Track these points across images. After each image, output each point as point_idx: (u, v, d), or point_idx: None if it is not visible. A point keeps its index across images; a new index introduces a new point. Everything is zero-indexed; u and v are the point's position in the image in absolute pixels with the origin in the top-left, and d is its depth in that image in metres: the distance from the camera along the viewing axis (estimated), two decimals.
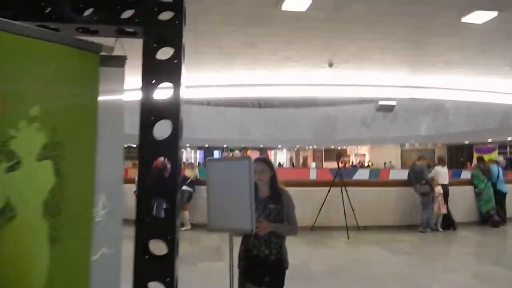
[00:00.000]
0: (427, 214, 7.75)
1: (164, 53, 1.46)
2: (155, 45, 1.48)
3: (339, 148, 29.54)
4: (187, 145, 30.48)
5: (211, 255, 5.70)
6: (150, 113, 1.46)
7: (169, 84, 1.46)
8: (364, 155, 33.33)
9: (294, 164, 33.81)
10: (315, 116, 20.26)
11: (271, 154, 33.06)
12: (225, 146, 29.45)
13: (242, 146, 28.29)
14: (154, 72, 1.47)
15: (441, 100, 19.75)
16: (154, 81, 1.47)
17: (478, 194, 8.58)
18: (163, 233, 1.44)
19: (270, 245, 2.48)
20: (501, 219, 8.43)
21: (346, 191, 7.42)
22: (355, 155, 33.44)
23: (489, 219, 8.36)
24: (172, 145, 1.45)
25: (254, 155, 30.30)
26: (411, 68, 7.26)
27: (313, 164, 29.10)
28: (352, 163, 30.36)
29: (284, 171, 24.38)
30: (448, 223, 7.92)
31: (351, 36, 5.91)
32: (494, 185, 8.59)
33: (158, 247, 1.45)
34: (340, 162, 8.69)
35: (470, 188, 8.77)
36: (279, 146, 31.89)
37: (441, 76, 7.62)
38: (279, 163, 31.69)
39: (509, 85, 8.09)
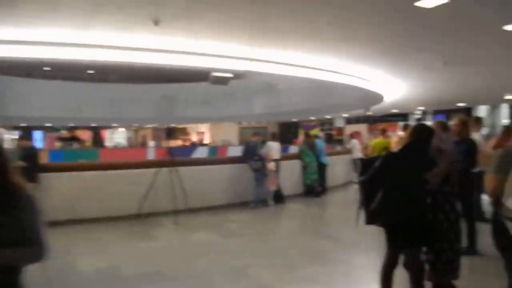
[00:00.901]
0: (259, 189, 7.66)
1: None
2: None
3: (180, 126, 28.74)
4: None
5: None
6: None
7: None
8: (203, 133, 33.51)
9: (133, 143, 31.50)
10: (155, 93, 18.84)
11: (106, 134, 29.91)
12: (48, 125, 25.04)
13: (70, 125, 24.54)
14: None
15: (276, 78, 21.18)
16: None
17: (305, 168, 9.01)
18: None
19: None
20: (322, 189, 9.09)
21: (177, 171, 6.62)
22: (196, 133, 33.31)
23: (312, 190, 8.89)
24: None
25: (85, 135, 26.83)
26: (250, 38, 6.75)
27: (151, 143, 27.53)
28: (194, 141, 30.06)
29: (118, 152, 22.18)
30: (279, 197, 8.03)
31: None
32: (318, 158, 9.16)
33: None
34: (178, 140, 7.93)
35: (297, 162, 9.15)
36: (115, 124, 29.07)
37: (278, 51, 7.47)
38: (116, 143, 28.97)
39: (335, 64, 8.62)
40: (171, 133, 30.39)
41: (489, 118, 27.28)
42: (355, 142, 11.81)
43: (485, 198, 5.04)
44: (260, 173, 7.64)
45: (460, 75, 9.60)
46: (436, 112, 22.15)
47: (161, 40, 6.35)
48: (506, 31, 6.09)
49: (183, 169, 6.81)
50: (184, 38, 6.40)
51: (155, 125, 30.00)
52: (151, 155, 19.83)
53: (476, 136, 5.29)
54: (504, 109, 25.70)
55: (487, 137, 7.35)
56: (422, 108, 20.63)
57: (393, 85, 11.39)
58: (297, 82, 17.96)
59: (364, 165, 2.72)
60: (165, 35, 6.16)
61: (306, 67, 8.17)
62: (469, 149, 4.33)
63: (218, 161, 8.26)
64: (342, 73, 9.07)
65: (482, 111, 27.20)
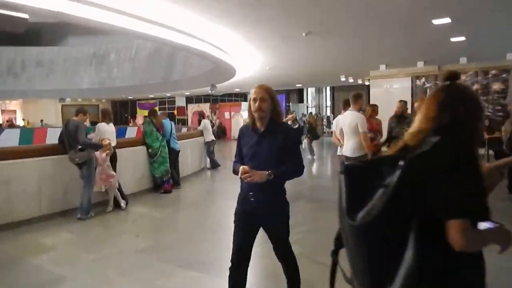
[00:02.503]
0: (87, 192, 5.35)
1: None
2: None
3: None
4: None
5: None
6: None
7: None
8: (15, 111, 26.94)
9: None
10: None
11: None
12: None
13: None
14: None
15: (104, 50, 17.82)
16: None
17: (152, 155, 7.02)
18: None
19: None
20: (174, 182, 7.31)
21: None
22: (3, 111, 26.42)
23: (163, 183, 7.02)
24: None
25: None
26: None
27: None
28: None
29: None
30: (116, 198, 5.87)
31: None
32: (168, 143, 7.29)
33: None
34: None
35: (140, 149, 7.09)
36: None
37: None
38: None
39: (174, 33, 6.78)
40: None
41: (314, 100, 30.22)
42: (206, 122, 10.34)
43: None
44: (88, 167, 5.32)
45: (321, 49, 9.13)
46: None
47: None
48: (372, 1, 5.46)
49: None
50: None
51: None
52: None
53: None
54: (328, 91, 28.74)
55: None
56: None
57: (248, 57, 10.28)
58: (135, 50, 15.43)
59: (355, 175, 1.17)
60: None
61: (145, 19, 6.07)
62: None
63: (30, 152, 5.43)
64: (191, 35, 7.29)
65: (310, 92, 29.83)
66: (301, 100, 28.64)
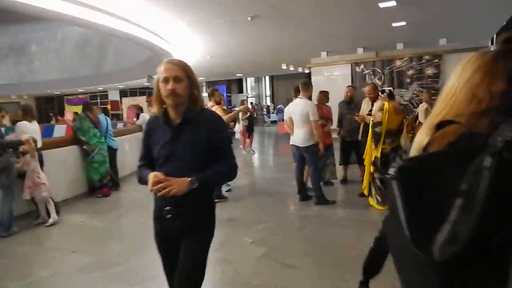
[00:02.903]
0: (7, 203, 4.51)
1: None
2: None
3: None
4: None
5: None
6: None
7: None
8: None
9: None
10: None
11: None
12: None
13: None
14: None
15: (24, 41, 15.89)
16: None
17: (89, 153, 6.20)
18: None
19: None
20: (113, 184, 6.59)
21: None
22: None
23: (102, 187, 6.27)
24: None
25: None
26: None
27: None
28: None
29: None
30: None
31: None
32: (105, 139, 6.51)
33: None
34: None
35: (72, 149, 6.25)
36: None
37: None
38: None
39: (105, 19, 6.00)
40: None
41: (253, 89, 30.06)
42: (145, 116, 9.57)
43: None
44: (7, 176, 4.48)
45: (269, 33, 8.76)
46: (213, 83, 21.99)
47: None
48: None
49: None
50: None
51: None
52: None
53: None
54: (267, 81, 28.72)
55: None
56: (202, 78, 20.00)
57: (189, 45, 9.65)
58: (59, 40, 13.90)
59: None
60: None
61: (74, 1, 5.27)
62: None
63: None
64: (125, 19, 6.54)
65: (250, 82, 29.60)
66: (240, 90, 28.36)
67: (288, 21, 7.52)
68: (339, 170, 6.32)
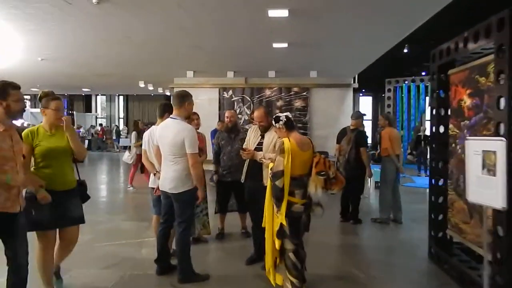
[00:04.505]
0: None
1: None
2: None
3: None
4: None
5: None
6: None
7: None
8: None
9: None
10: None
11: None
12: None
13: None
14: None
15: None
16: None
17: None
18: None
19: None
20: None
21: None
22: None
23: None
24: None
25: None
26: None
27: None
28: None
29: None
30: None
31: None
32: None
33: None
34: None
35: None
36: None
37: None
38: None
39: None
40: None
41: (104, 110, 26.41)
42: None
43: None
44: None
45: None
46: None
47: None
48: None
49: None
50: None
51: None
52: None
53: None
54: (121, 101, 25.58)
55: None
56: (36, 88, 15.97)
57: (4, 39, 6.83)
58: None
59: None
60: None
61: None
62: None
63: None
64: None
65: (100, 101, 25.91)
66: (88, 109, 24.51)
67: (144, 11, 5.65)
68: (215, 220, 4.70)
